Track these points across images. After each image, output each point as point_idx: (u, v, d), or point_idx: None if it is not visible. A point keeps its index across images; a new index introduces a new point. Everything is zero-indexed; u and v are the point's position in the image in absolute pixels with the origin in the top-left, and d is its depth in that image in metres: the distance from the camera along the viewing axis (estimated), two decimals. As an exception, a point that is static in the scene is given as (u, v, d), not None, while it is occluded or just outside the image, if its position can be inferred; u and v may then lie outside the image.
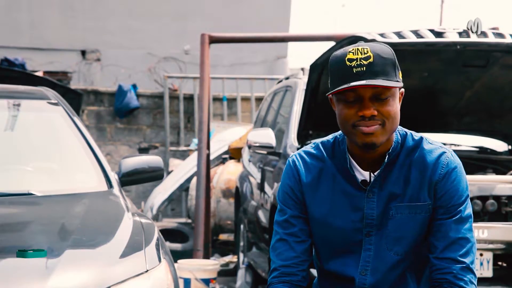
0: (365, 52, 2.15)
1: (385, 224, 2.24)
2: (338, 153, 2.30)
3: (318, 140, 2.39)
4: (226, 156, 9.57)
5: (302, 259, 2.33)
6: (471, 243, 2.25)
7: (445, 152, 2.28)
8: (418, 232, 2.25)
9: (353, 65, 2.14)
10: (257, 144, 5.99)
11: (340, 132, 2.32)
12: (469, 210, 2.28)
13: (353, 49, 2.16)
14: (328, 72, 2.24)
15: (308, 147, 2.37)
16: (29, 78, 6.45)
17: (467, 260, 2.22)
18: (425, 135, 2.35)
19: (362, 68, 2.13)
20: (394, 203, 2.24)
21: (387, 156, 2.24)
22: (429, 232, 2.26)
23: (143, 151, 12.31)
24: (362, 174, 2.26)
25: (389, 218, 2.24)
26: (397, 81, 2.18)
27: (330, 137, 2.36)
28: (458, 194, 2.25)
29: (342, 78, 2.16)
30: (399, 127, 2.29)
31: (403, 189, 2.24)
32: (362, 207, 2.25)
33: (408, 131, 2.31)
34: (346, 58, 2.16)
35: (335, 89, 2.16)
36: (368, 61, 2.14)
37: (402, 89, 2.25)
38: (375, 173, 2.25)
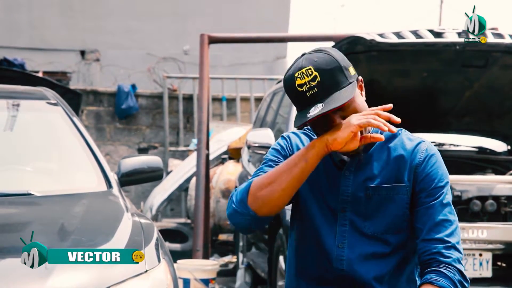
0: (310, 73, 2.21)
1: (362, 203, 2.32)
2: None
3: (306, 127, 2.50)
4: (226, 156, 9.58)
5: None
6: (455, 225, 2.32)
7: (423, 141, 2.37)
8: (395, 213, 2.32)
9: (304, 90, 2.21)
10: (257, 144, 6.00)
11: None
12: (449, 196, 2.35)
13: (298, 74, 2.22)
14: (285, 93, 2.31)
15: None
16: (29, 78, 6.45)
17: (453, 240, 2.28)
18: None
19: (314, 90, 2.20)
20: (371, 183, 2.32)
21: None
22: (414, 220, 2.33)
23: (142, 151, 12.33)
24: (340, 155, 2.35)
25: (367, 198, 2.32)
26: (350, 82, 2.24)
27: None
28: (439, 177, 2.32)
29: (300, 104, 2.24)
30: None
31: (379, 171, 2.33)
32: (338, 184, 2.34)
33: None
34: (296, 85, 2.22)
35: (300, 124, 2.23)
36: (316, 81, 2.20)
37: (359, 77, 2.31)
38: (353, 155, 2.34)
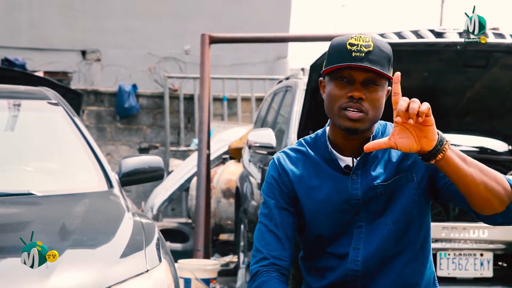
0: (367, 40, 2.25)
1: (374, 201, 2.32)
2: (319, 144, 2.40)
3: (302, 138, 2.49)
4: (227, 156, 9.58)
5: (289, 252, 2.39)
6: None
7: None
8: (405, 200, 2.32)
9: (353, 49, 2.23)
10: (257, 144, 5.99)
11: (320, 130, 2.43)
12: None
13: (355, 36, 2.26)
14: (326, 54, 2.32)
15: (293, 145, 2.49)
16: (29, 78, 6.44)
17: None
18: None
19: (361, 54, 2.23)
20: (380, 181, 2.32)
21: (371, 138, 2.33)
22: (447, 194, 2.29)
23: (143, 151, 12.33)
24: (344, 161, 2.35)
25: (378, 196, 2.32)
26: (389, 75, 2.27)
27: (312, 134, 2.47)
28: None
29: (340, 59, 2.25)
30: (382, 121, 2.40)
31: (385, 168, 2.33)
32: (347, 189, 2.33)
33: (389, 122, 2.40)
34: (347, 42, 2.25)
35: (333, 66, 2.25)
36: (368, 49, 2.23)
37: (390, 88, 2.32)
38: (357, 158, 2.34)
